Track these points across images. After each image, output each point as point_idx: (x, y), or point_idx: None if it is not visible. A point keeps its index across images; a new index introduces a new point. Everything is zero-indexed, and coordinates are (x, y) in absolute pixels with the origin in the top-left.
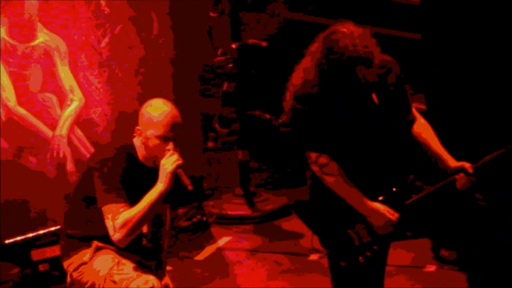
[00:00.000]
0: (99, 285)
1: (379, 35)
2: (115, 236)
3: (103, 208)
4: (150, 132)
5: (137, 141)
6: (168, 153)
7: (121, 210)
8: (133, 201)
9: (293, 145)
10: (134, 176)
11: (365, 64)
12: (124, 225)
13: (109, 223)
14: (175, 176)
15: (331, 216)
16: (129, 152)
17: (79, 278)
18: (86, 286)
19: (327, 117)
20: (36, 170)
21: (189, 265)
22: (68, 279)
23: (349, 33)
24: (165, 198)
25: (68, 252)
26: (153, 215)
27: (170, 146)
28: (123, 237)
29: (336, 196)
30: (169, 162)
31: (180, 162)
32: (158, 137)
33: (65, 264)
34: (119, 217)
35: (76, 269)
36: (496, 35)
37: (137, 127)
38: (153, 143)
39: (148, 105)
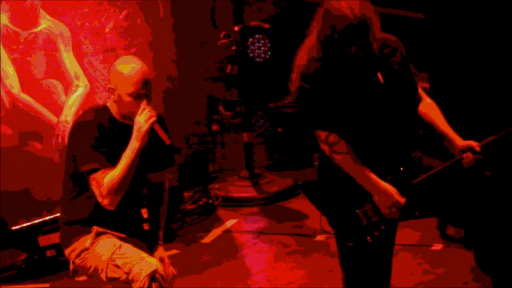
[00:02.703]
0: (102, 269)
1: (383, 14)
2: (104, 202)
3: (88, 178)
4: (121, 90)
5: (110, 102)
6: (141, 109)
7: (104, 175)
8: (115, 159)
9: (301, 125)
10: (111, 135)
11: (365, 30)
12: (109, 188)
13: (96, 191)
14: (151, 133)
15: (339, 196)
16: (104, 112)
17: (82, 264)
18: (90, 271)
19: (334, 96)
20: (41, 156)
21: (196, 248)
22: (71, 266)
23: (345, 1)
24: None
25: (69, 240)
26: (133, 172)
27: (144, 103)
28: (111, 200)
29: (344, 176)
30: (143, 119)
31: (154, 118)
32: (130, 94)
33: (67, 251)
34: (103, 182)
35: (78, 255)
36: (499, 13)
37: (109, 86)
38: (125, 101)
39: (118, 63)
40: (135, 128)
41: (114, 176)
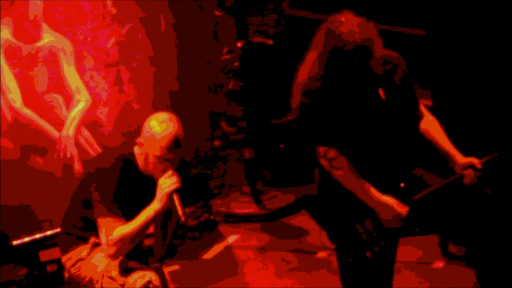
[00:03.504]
0: (97, 280)
1: (384, 31)
2: (108, 251)
3: (97, 220)
4: (150, 150)
5: (137, 151)
6: (168, 174)
7: (115, 225)
8: (129, 210)
9: (301, 140)
10: (131, 185)
11: (364, 52)
12: (117, 241)
13: (102, 237)
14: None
15: (339, 211)
16: (128, 160)
17: (77, 273)
18: (85, 281)
19: (335, 112)
20: (42, 171)
21: (197, 264)
22: (66, 275)
23: (346, 21)
24: None
25: (66, 248)
26: (146, 232)
27: (169, 167)
28: (116, 253)
29: (344, 191)
30: (167, 183)
31: (177, 185)
32: (157, 157)
33: (63, 259)
34: (112, 233)
35: (73, 264)
36: (500, 30)
37: (139, 139)
38: (152, 160)
39: (152, 119)
40: (158, 190)
41: (126, 231)
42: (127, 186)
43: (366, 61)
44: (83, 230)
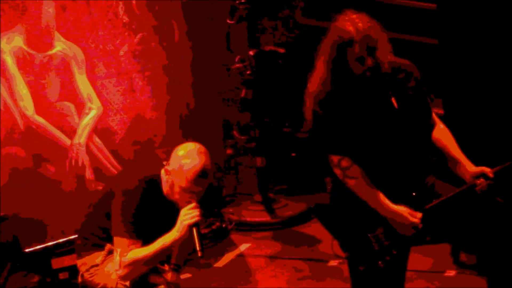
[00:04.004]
0: (110, 287)
1: (397, 40)
2: (120, 272)
3: (114, 238)
4: (176, 180)
5: (164, 176)
6: (190, 205)
7: (130, 247)
8: (147, 232)
9: (314, 149)
10: (153, 208)
11: (369, 48)
12: (130, 264)
13: (116, 257)
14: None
15: (351, 220)
16: (154, 183)
17: (90, 279)
18: (98, 287)
19: (347, 120)
20: (54, 179)
21: (209, 272)
22: (80, 279)
23: (348, 16)
24: None
25: (80, 252)
26: (160, 259)
27: (193, 199)
28: (127, 275)
29: (357, 200)
30: (188, 215)
31: (198, 219)
32: (182, 188)
33: (78, 263)
34: (127, 255)
35: (87, 270)
36: None
37: (167, 167)
38: (177, 190)
39: (181, 149)
40: (179, 220)
41: (140, 256)
42: (149, 208)
43: (371, 55)
44: (100, 239)
